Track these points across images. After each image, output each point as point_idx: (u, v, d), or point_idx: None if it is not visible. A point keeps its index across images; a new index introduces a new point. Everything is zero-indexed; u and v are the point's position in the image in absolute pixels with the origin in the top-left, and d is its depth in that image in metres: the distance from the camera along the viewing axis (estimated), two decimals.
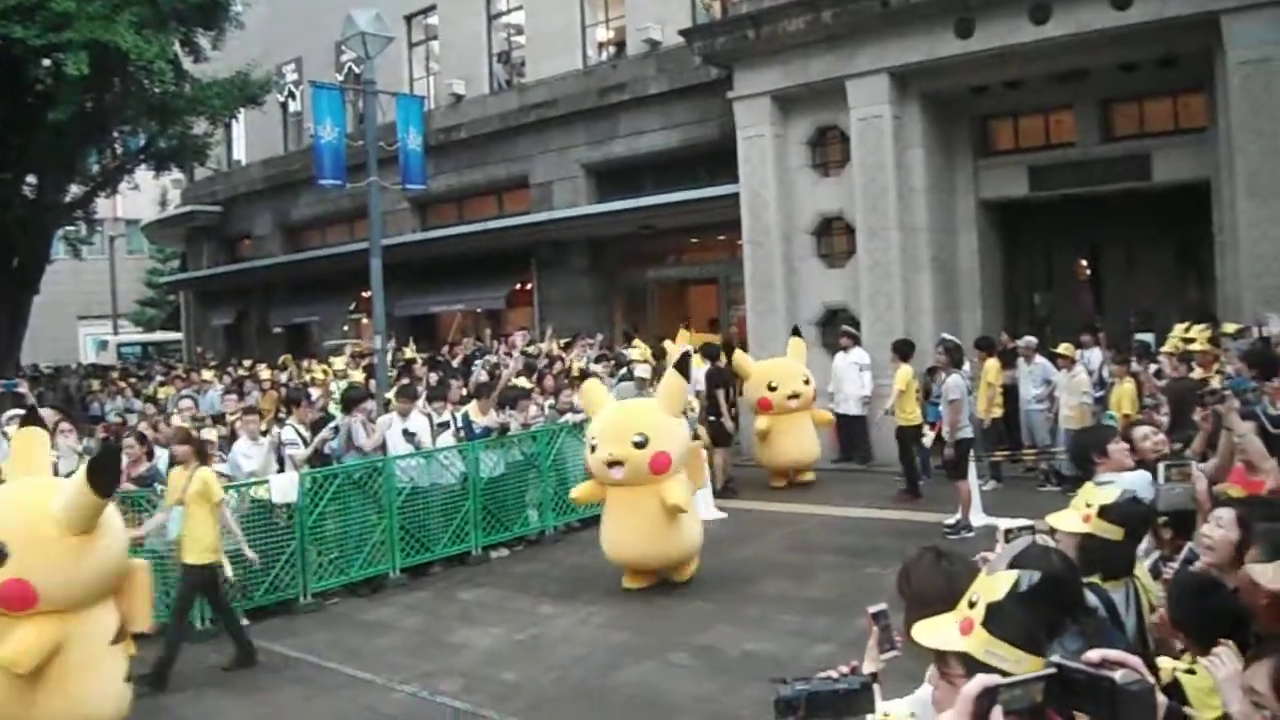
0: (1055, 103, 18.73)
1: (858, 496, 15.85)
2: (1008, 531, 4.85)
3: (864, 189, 18.35)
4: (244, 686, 9.38)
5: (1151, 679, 2.20)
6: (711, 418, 16.46)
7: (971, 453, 13.98)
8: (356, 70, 17.66)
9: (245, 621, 10.96)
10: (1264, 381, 9.02)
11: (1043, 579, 4.25)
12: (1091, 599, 4.54)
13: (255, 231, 34.26)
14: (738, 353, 17.29)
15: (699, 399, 16.72)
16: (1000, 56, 16.96)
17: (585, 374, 17.38)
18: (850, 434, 18.23)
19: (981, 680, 2.30)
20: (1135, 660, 2.21)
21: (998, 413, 16.03)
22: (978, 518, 13.56)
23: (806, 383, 16.95)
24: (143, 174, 33.21)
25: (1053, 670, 2.26)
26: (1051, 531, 5.03)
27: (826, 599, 10.89)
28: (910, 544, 11.96)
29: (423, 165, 17.55)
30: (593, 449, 11.50)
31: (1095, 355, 16.18)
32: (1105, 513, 4.74)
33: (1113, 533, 4.69)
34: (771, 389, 16.66)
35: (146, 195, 41.62)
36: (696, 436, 16.10)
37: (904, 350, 15.79)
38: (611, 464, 11.22)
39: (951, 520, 13.38)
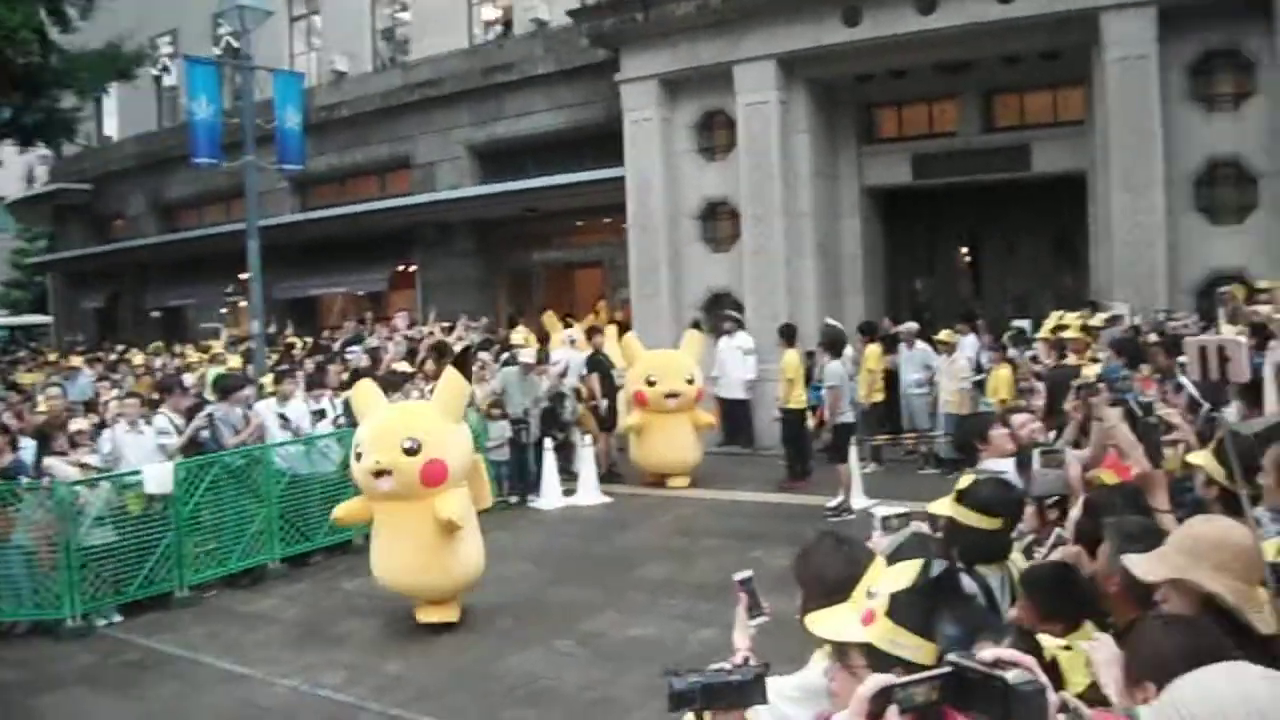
0: (939, 92, 19.00)
1: (742, 480, 15.93)
2: (884, 519, 4.90)
3: (749, 174, 18.42)
4: (118, 685, 9.12)
5: (1045, 679, 2.19)
6: (591, 402, 16.41)
7: (853, 436, 14.10)
8: (235, 44, 17.30)
9: (118, 617, 10.75)
10: (1132, 369, 9.23)
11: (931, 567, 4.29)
12: (970, 585, 4.57)
13: (128, 211, 33.36)
14: (627, 337, 16.83)
15: (583, 383, 16.69)
16: (886, 45, 17.12)
17: (465, 352, 17.27)
18: (734, 418, 18.25)
19: (876, 680, 2.27)
20: (1029, 660, 2.19)
21: (879, 397, 16.28)
22: (858, 500, 13.76)
23: (690, 382, 15.76)
24: (7, 150, 32.07)
25: (948, 669, 2.23)
26: (933, 520, 5.09)
27: (711, 583, 10.83)
28: (794, 527, 12.19)
29: (301, 145, 17.25)
30: (358, 457, 9.89)
31: (971, 341, 16.40)
32: (961, 498, 4.80)
33: (973, 519, 4.73)
34: (650, 384, 15.61)
35: (11, 171, 40.34)
36: (577, 422, 16.20)
37: (789, 335, 15.76)
38: (379, 473, 9.56)
39: (833, 503, 13.54)
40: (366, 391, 10.47)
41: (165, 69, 31.46)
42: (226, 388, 12.89)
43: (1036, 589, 4.31)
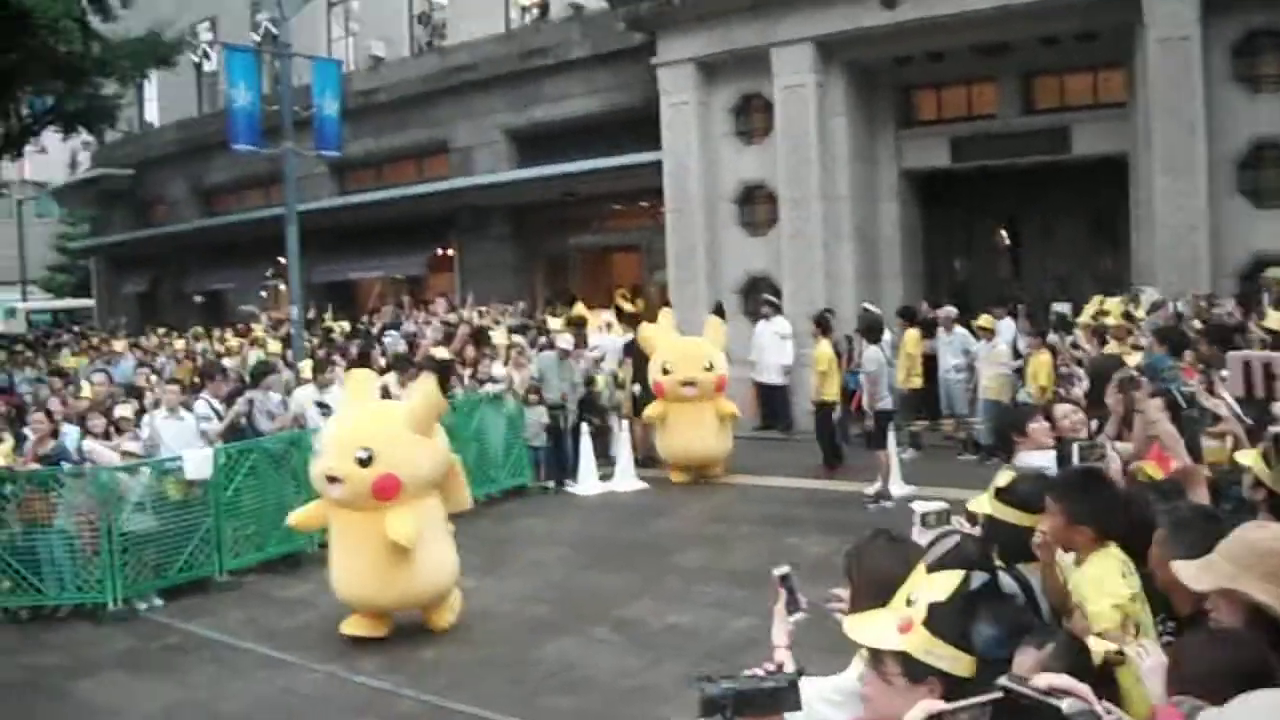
0: (977, 75, 18.83)
1: (778, 466, 15.87)
2: (924, 514, 4.86)
3: (787, 158, 18.35)
4: (157, 669, 9.18)
5: (1100, 709, 2.16)
6: (635, 386, 16.36)
7: (891, 423, 14.01)
8: (274, 30, 17.36)
9: (159, 601, 10.83)
10: (1176, 358, 9.12)
11: (956, 565, 4.26)
12: (1009, 584, 4.53)
13: (169, 196, 33.59)
14: (645, 326, 16.53)
15: (620, 368, 16.68)
16: (924, 27, 16.99)
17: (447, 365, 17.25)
18: (772, 403, 18.21)
19: (925, 707, 2.25)
20: (1083, 689, 2.16)
21: (917, 382, 16.18)
22: (897, 487, 13.68)
23: (709, 369, 15.07)
24: (51, 136, 32.34)
25: (1000, 694, 2.20)
26: (971, 516, 5.04)
27: (746, 570, 10.84)
28: (831, 514, 12.16)
29: (339, 131, 17.31)
30: (665, 371, 11.50)
31: (1009, 325, 16.31)
32: (1000, 494, 4.74)
33: (1013, 515, 4.68)
34: (665, 372, 15.09)
35: (56, 158, 40.68)
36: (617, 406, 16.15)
37: (824, 325, 15.65)
38: (331, 479, 9.23)
39: (871, 490, 13.44)
40: (359, 382, 10.34)
41: (205, 55, 31.49)
42: (257, 374, 12.93)
43: (1065, 493, 4.30)
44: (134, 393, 13.90)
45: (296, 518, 10.12)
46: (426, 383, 9.61)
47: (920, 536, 4.72)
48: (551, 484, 15.27)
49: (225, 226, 30.22)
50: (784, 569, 3.99)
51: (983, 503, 4.93)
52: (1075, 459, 5.28)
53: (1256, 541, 3.11)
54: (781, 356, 17.86)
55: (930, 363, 16.43)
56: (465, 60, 24.67)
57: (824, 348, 15.26)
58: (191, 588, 11.14)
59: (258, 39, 27.45)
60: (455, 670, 8.73)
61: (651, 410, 15.56)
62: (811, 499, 13.89)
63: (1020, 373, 14.82)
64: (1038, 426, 6.66)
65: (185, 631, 10.05)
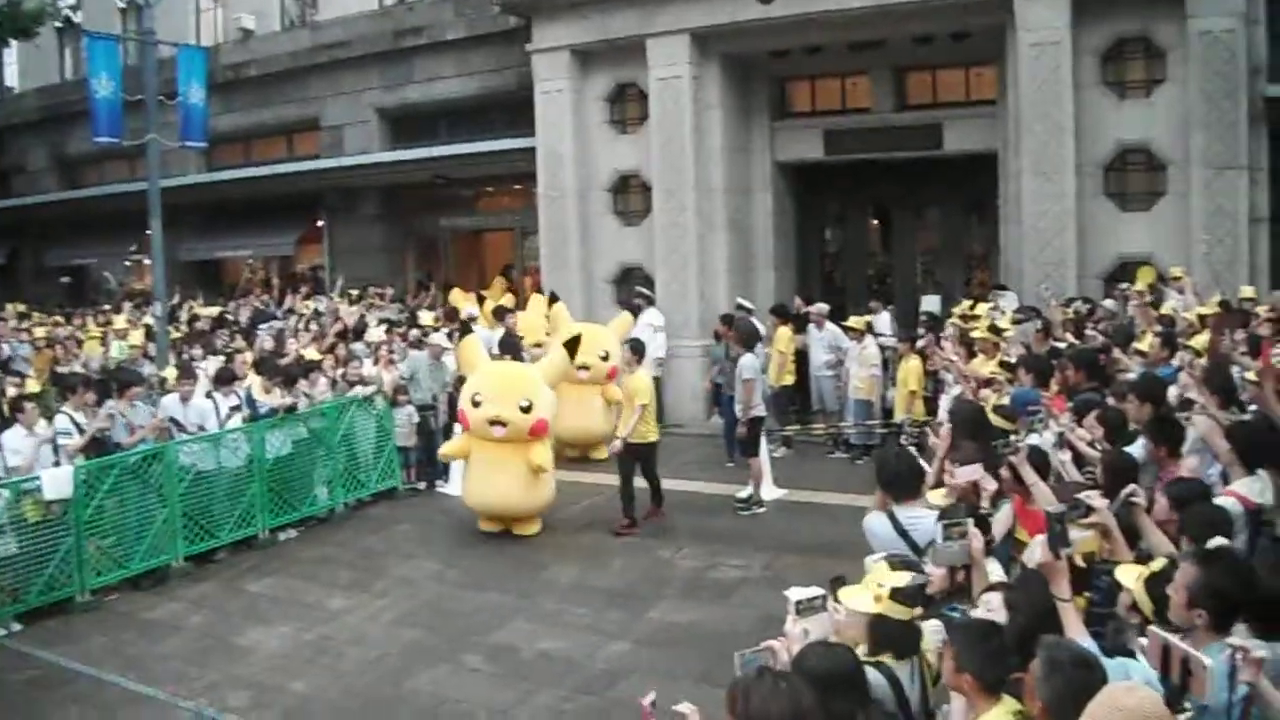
0: (852, 69, 18.98)
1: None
2: (798, 603, 4.90)
3: (661, 148, 18.33)
4: (18, 708, 8.91)
5: None
6: None
7: (763, 427, 14.06)
8: (140, 2, 16.84)
9: (17, 626, 10.52)
10: (1043, 388, 9.27)
11: (835, 677, 4.31)
12: (878, 683, 4.60)
13: (29, 164, 32.41)
14: (557, 307, 16.63)
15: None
16: (800, 23, 17.02)
17: (360, 330, 17.05)
18: None
19: None
20: None
21: (789, 379, 16.28)
22: (769, 491, 13.78)
23: (605, 358, 15.53)
24: None
25: None
26: (834, 595, 5.09)
27: (618, 589, 10.93)
28: (704, 521, 12.34)
29: (204, 120, 16.87)
30: (475, 404, 12.41)
31: (884, 320, 16.57)
32: (896, 595, 4.80)
33: (903, 613, 4.75)
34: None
35: None
36: None
37: (783, 312, 16.51)
38: (495, 423, 12.26)
39: (744, 494, 13.51)
40: (471, 347, 13.34)
41: (69, 22, 30.42)
42: (121, 382, 12.57)
43: (955, 637, 4.38)
44: None
45: (450, 448, 13.45)
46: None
47: (794, 625, 4.78)
48: (423, 485, 15.12)
49: (88, 199, 29.22)
50: (650, 697, 4.02)
51: (856, 598, 4.96)
52: (939, 537, 5.33)
53: (1123, 708, 3.16)
54: (654, 349, 17.80)
55: (801, 358, 16.55)
56: (338, 36, 24.19)
57: (783, 332, 16.04)
58: (52, 610, 10.82)
59: (122, 5, 26.71)
60: (326, 707, 8.62)
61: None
62: (686, 503, 13.82)
63: (889, 373, 15.07)
64: (930, 488, 6.73)
65: (46, 662, 9.72)
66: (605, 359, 15.57)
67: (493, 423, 12.50)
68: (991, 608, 4.74)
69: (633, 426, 12.73)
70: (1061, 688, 3.62)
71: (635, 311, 17.23)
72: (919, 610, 4.83)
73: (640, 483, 13.02)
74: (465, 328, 15.09)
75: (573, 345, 13.28)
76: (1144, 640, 4.28)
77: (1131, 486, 5.66)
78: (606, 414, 15.81)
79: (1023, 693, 4.01)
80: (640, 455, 12.93)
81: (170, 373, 13.52)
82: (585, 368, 15.23)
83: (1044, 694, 3.72)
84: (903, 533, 6.16)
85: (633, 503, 12.89)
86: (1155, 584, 4.61)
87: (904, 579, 4.85)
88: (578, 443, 16.16)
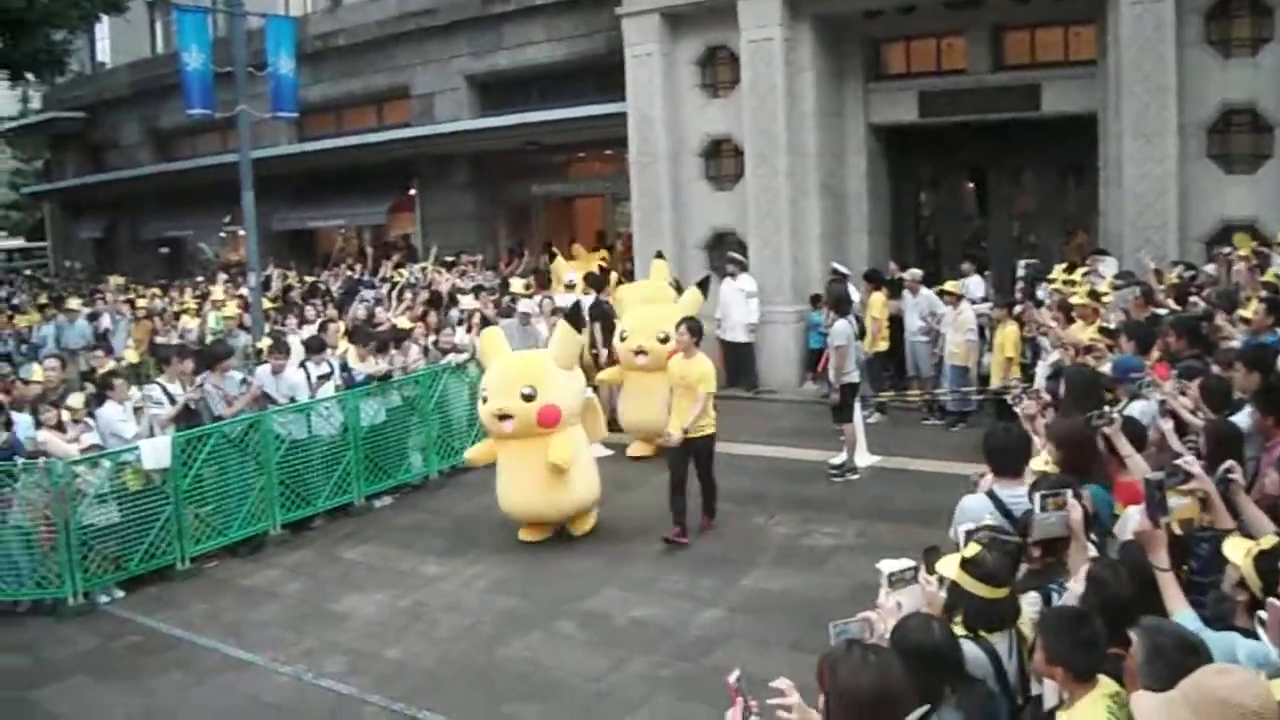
0: (948, 29, 18.56)
1: (743, 430, 15.57)
2: (890, 575, 4.81)
3: (753, 112, 18.10)
4: (119, 674, 9.04)
5: None
6: (592, 350, 16.07)
7: (857, 394, 13.89)
8: None
9: (120, 593, 10.70)
10: (1144, 354, 9.04)
11: (929, 650, 4.22)
12: (976, 657, 4.49)
13: (123, 139, 32.99)
14: (620, 289, 16.49)
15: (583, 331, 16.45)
16: None
17: (454, 297, 17.05)
18: (737, 362, 18.05)
19: None
20: None
21: (883, 345, 16.11)
22: (863, 458, 13.64)
23: (664, 341, 13.75)
24: None
25: None
26: (928, 566, 5.00)
27: (712, 555, 10.85)
28: (797, 488, 12.14)
29: (294, 90, 16.88)
30: (484, 401, 11.39)
31: (976, 283, 16.30)
32: (966, 567, 4.69)
33: (980, 589, 4.62)
34: (621, 339, 14.70)
35: (6, 94, 39.86)
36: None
37: (877, 279, 16.36)
38: (501, 417, 11.12)
39: (837, 460, 13.38)
40: (492, 339, 12.04)
41: None
42: (213, 357, 12.69)
43: (1044, 629, 4.22)
44: (88, 376, 13.63)
45: (473, 453, 12.25)
46: (563, 327, 11.73)
47: (887, 598, 4.69)
48: None
49: (181, 172, 29.62)
50: (735, 674, 3.95)
51: (949, 567, 4.87)
52: (1036, 507, 5.19)
53: (1215, 689, 3.05)
54: (747, 314, 17.75)
55: (896, 324, 16.36)
56: (425, 4, 24.24)
57: (877, 298, 16.00)
58: (153, 577, 11.00)
59: None
60: (420, 673, 8.64)
61: (604, 375, 15.40)
62: (778, 470, 13.81)
63: (986, 339, 14.82)
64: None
65: (147, 628, 9.90)
66: (664, 342, 13.77)
67: (636, 352, 14.29)
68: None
69: (695, 418, 11.06)
70: (1165, 675, 3.49)
71: (721, 276, 16.98)
72: (1000, 590, 4.67)
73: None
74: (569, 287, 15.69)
75: (576, 323, 11.81)
76: (1262, 614, 4.12)
77: (1229, 463, 5.46)
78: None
79: (1120, 670, 3.90)
80: (698, 451, 11.30)
81: (265, 343, 13.64)
82: (642, 352, 14.34)
83: (1147, 680, 3.60)
84: (1006, 513, 5.97)
85: (685, 509, 11.22)
86: (1266, 561, 4.41)
87: (973, 549, 4.75)
88: (645, 431, 14.50)
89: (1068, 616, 4.21)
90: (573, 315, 11.86)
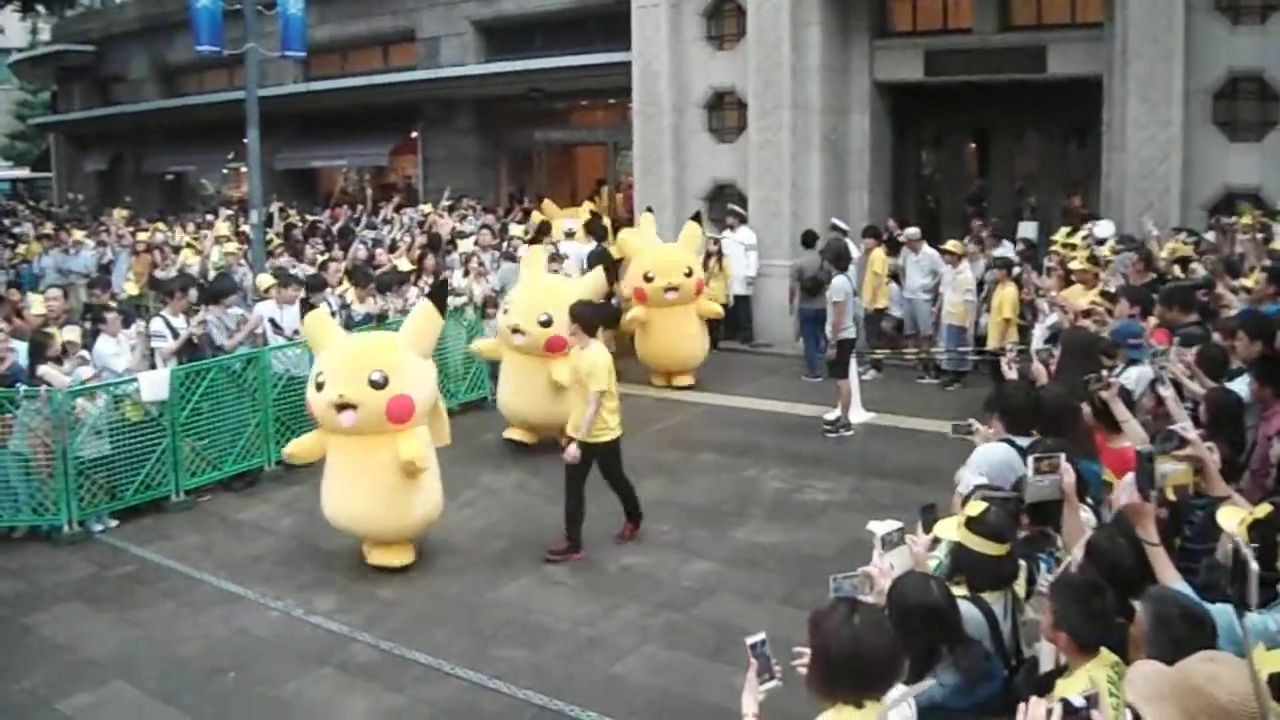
0: None
1: (740, 383, 15.87)
2: (884, 537, 4.85)
3: (758, 65, 18.10)
4: (113, 603, 9.11)
5: None
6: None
7: (854, 351, 13.92)
8: None
9: (114, 523, 10.78)
10: (1142, 319, 9.06)
11: (924, 609, 4.25)
12: (973, 617, 4.53)
13: (130, 74, 32.93)
14: (624, 233, 16.67)
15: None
16: None
17: (454, 240, 17.05)
18: (735, 314, 18.06)
19: None
20: None
21: (882, 302, 16.13)
22: (857, 414, 13.71)
23: (689, 274, 15.30)
24: (9, 15, 31.52)
25: None
26: (925, 524, 5.04)
27: (704, 506, 10.92)
28: (791, 442, 12.21)
29: (303, 30, 16.94)
30: (319, 387, 9.41)
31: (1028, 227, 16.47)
32: (973, 525, 4.72)
33: (983, 546, 4.66)
34: (648, 279, 15.21)
35: (14, 24, 39.71)
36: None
37: (876, 233, 16.48)
38: (341, 407, 9.17)
39: (832, 416, 13.44)
40: (318, 323, 10.01)
41: None
42: (216, 292, 12.72)
43: (1054, 594, 4.21)
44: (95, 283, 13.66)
45: (294, 448, 10.06)
46: (424, 304, 9.90)
47: (881, 559, 4.73)
48: None
49: (187, 108, 29.64)
50: (758, 637, 3.92)
51: (949, 529, 4.92)
52: (1029, 470, 5.22)
53: (1193, 674, 3.09)
54: (746, 267, 17.81)
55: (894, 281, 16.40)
56: None
57: (877, 254, 16.04)
58: (148, 508, 11.08)
59: None
60: (410, 613, 8.71)
61: (634, 313, 15.50)
62: (773, 423, 13.89)
63: (985, 299, 14.84)
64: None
65: (141, 559, 9.98)
66: (689, 275, 15.35)
67: (667, 289, 14.91)
68: None
69: (590, 421, 9.66)
70: (1169, 647, 3.52)
71: (698, 218, 17.07)
72: (1004, 547, 4.72)
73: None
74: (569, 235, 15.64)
75: (439, 303, 10.11)
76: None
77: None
78: (700, 334, 15.83)
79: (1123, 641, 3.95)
80: (600, 457, 9.90)
81: (264, 279, 13.66)
82: (673, 288, 15.18)
83: (1151, 651, 3.64)
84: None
85: (579, 522, 9.86)
86: (1259, 530, 4.42)
87: (978, 507, 4.77)
88: (671, 367, 15.85)
89: (1081, 585, 4.17)
90: (436, 294, 9.99)
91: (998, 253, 15.39)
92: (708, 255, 16.42)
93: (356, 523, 9.54)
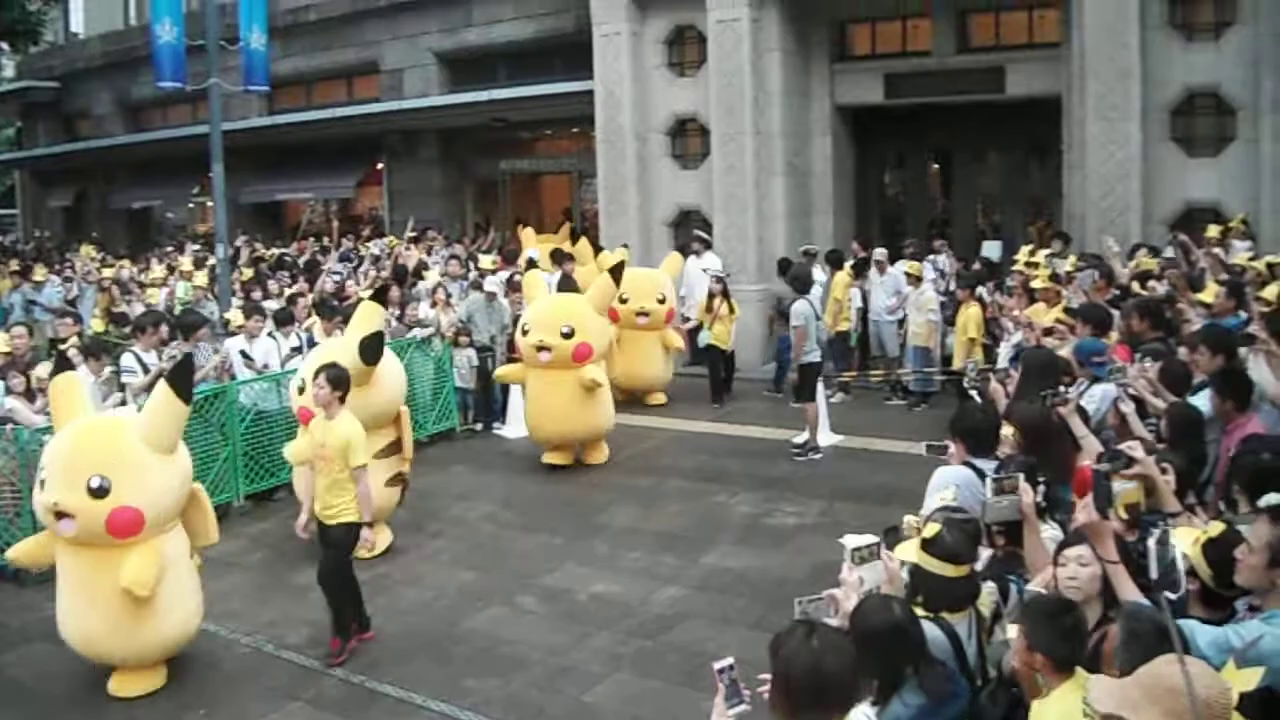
0: (913, 11, 18.69)
1: (708, 408, 15.93)
2: (854, 550, 4.86)
3: (720, 92, 18.22)
4: None
5: None
6: None
7: (819, 375, 13.96)
8: None
9: None
10: (1101, 337, 9.15)
11: (888, 629, 4.28)
12: (936, 638, 4.56)
13: (94, 109, 32.82)
14: (602, 255, 16.29)
15: None
16: None
17: (420, 272, 17.06)
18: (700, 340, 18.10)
19: None
20: None
21: (845, 326, 16.16)
22: (825, 437, 13.76)
23: (661, 301, 15.91)
24: None
25: None
26: (887, 545, 5.06)
27: (673, 533, 10.95)
28: (759, 466, 12.25)
29: (266, 64, 16.91)
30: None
31: (944, 260, 16.46)
32: (927, 546, 4.75)
33: (939, 568, 4.69)
34: (622, 301, 15.30)
35: None
36: None
37: (838, 260, 16.53)
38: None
39: (800, 439, 13.50)
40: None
41: None
42: (185, 326, 12.68)
43: (1026, 616, 4.25)
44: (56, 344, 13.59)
45: (504, 372, 13.29)
46: (161, 391, 7.98)
47: (850, 573, 4.75)
48: (479, 427, 15.26)
49: (152, 143, 29.55)
50: (725, 662, 3.93)
51: (907, 548, 4.95)
52: (988, 491, 5.28)
53: (1167, 676, 3.13)
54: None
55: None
56: None
57: (840, 277, 16.09)
58: None
59: None
60: (381, 646, 8.70)
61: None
62: (741, 448, 13.94)
63: (950, 319, 14.92)
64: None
65: None
66: (662, 302, 15.95)
67: (639, 314, 15.17)
68: (1085, 561, 4.62)
69: (367, 497, 8.61)
70: (1141, 659, 3.57)
71: (685, 254, 17.32)
72: (962, 568, 4.76)
73: None
74: (531, 264, 15.21)
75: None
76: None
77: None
78: (666, 360, 16.38)
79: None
80: (334, 542, 8.64)
81: (235, 315, 13.65)
82: (644, 313, 15.77)
83: (1123, 663, 3.68)
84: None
85: (359, 603, 8.83)
86: (1213, 549, 4.48)
87: (933, 529, 4.80)
88: (637, 388, 16.32)
89: (1051, 605, 4.23)
90: (176, 376, 8.07)
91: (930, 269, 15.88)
92: (711, 296, 16.22)
93: (89, 645, 8.06)
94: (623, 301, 15.42)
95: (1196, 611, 4.46)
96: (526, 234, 19.43)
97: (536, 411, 13.20)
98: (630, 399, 16.03)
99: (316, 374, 8.61)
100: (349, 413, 8.62)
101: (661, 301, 15.96)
